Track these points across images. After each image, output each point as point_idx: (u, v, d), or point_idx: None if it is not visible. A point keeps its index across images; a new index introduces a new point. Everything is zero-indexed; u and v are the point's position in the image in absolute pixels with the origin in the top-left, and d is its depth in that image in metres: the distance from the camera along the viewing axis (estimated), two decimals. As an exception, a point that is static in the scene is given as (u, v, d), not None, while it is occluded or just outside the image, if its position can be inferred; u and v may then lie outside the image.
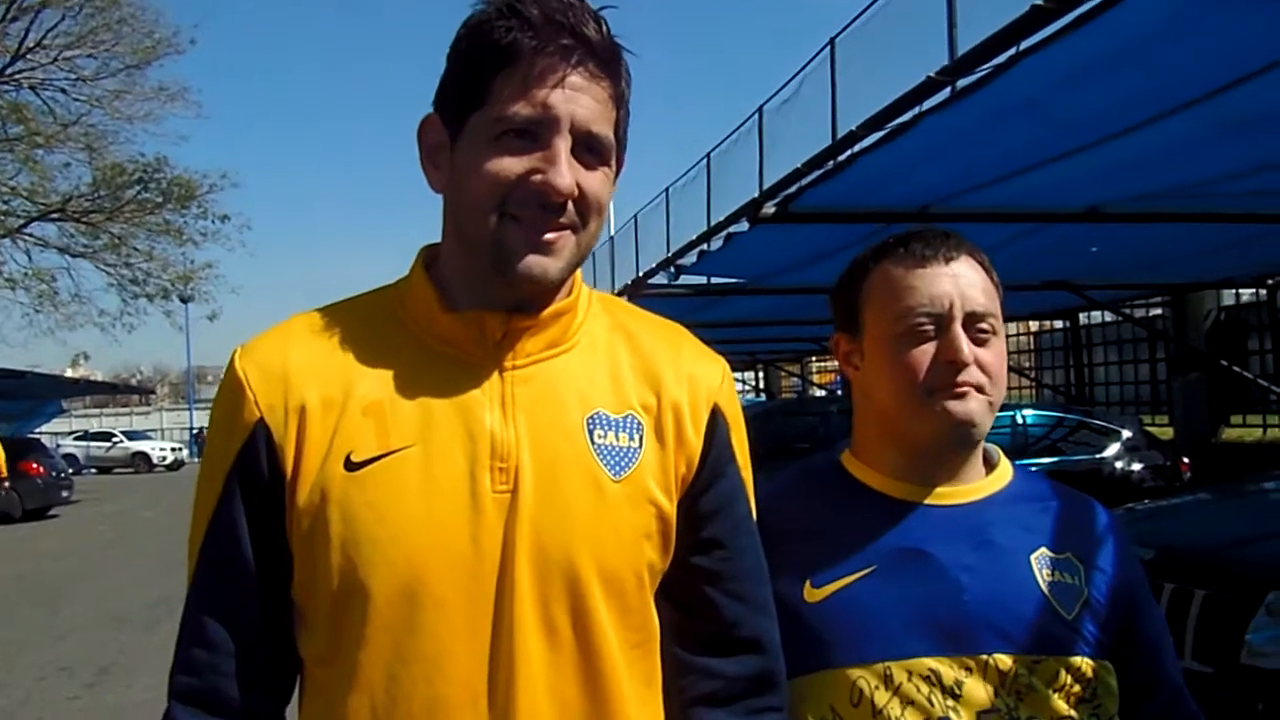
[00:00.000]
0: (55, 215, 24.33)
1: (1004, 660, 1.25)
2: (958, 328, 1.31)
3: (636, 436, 1.20)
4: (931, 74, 5.21)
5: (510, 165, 1.10)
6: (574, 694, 1.14)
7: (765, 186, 8.75)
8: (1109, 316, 18.48)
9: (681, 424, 1.23)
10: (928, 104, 5.81)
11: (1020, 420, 11.18)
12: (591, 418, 1.18)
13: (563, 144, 1.10)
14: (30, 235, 24.61)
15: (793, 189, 7.60)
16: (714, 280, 13.87)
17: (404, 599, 1.10)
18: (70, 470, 24.96)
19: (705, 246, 10.88)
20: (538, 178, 1.10)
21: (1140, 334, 19.20)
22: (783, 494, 1.44)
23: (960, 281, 1.33)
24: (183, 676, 1.15)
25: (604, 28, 1.14)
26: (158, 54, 24.63)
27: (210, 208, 25.41)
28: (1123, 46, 4.72)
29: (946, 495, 1.36)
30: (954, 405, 1.30)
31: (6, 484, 18.02)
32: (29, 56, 23.48)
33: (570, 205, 1.12)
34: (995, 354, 1.33)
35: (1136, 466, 10.72)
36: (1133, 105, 5.45)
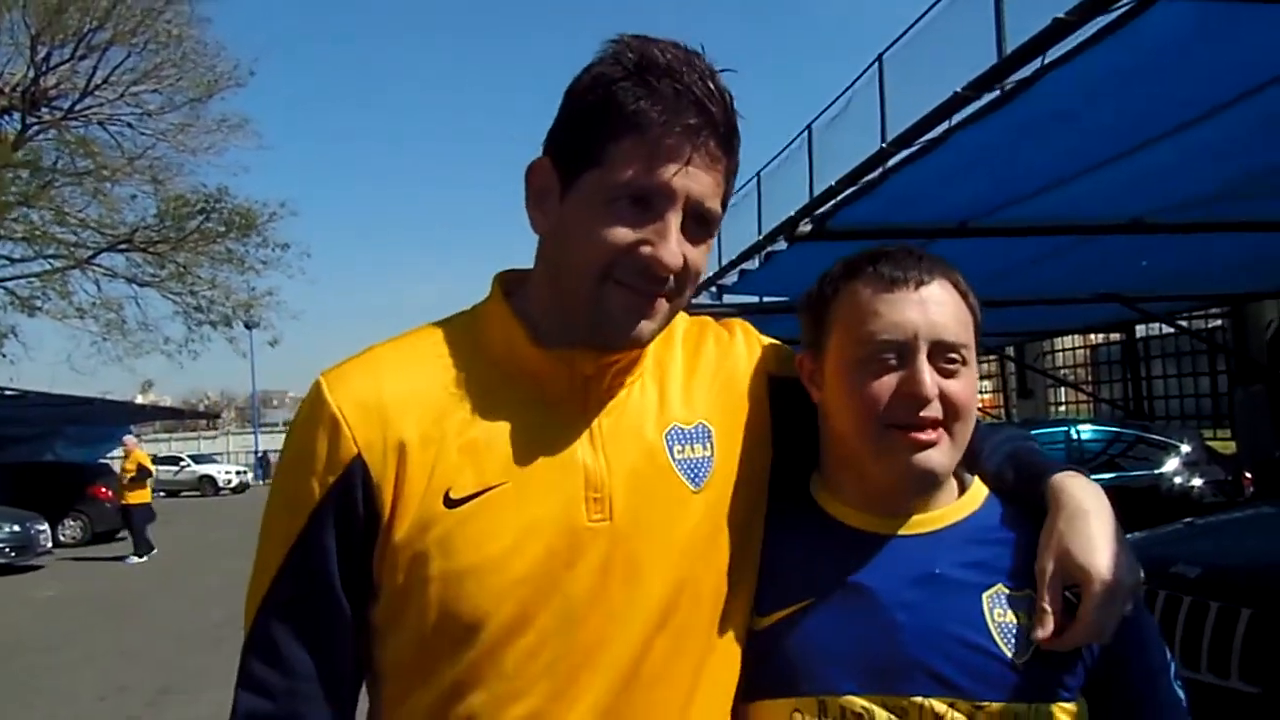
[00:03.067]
0: (123, 246, 25.03)
1: (938, 704, 1.19)
2: (922, 360, 1.22)
3: (709, 445, 1.27)
4: (958, 89, 5.20)
5: (622, 234, 1.11)
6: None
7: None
8: (1166, 329, 18.07)
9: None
10: (960, 118, 5.78)
11: (1076, 436, 11.01)
12: (669, 433, 1.25)
13: (675, 219, 1.12)
14: (99, 266, 25.35)
15: (828, 206, 7.59)
16: (765, 299, 13.87)
17: (506, 630, 1.14)
18: (138, 494, 25.51)
19: (746, 265, 10.91)
20: (647, 250, 1.11)
21: (1199, 346, 18.77)
22: None
23: (929, 309, 1.24)
24: (255, 699, 1.16)
25: (728, 102, 1.14)
26: (220, 87, 25.37)
27: (270, 236, 25.98)
28: (1151, 54, 4.67)
29: (902, 525, 1.29)
30: (915, 458, 1.23)
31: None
32: (97, 93, 24.32)
33: (672, 276, 1.14)
34: (964, 385, 1.25)
35: (1196, 482, 10.51)
36: (1165, 111, 5.38)
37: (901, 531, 1.30)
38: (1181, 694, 1.30)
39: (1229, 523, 6.19)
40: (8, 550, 16.12)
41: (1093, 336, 23.16)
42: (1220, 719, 4.13)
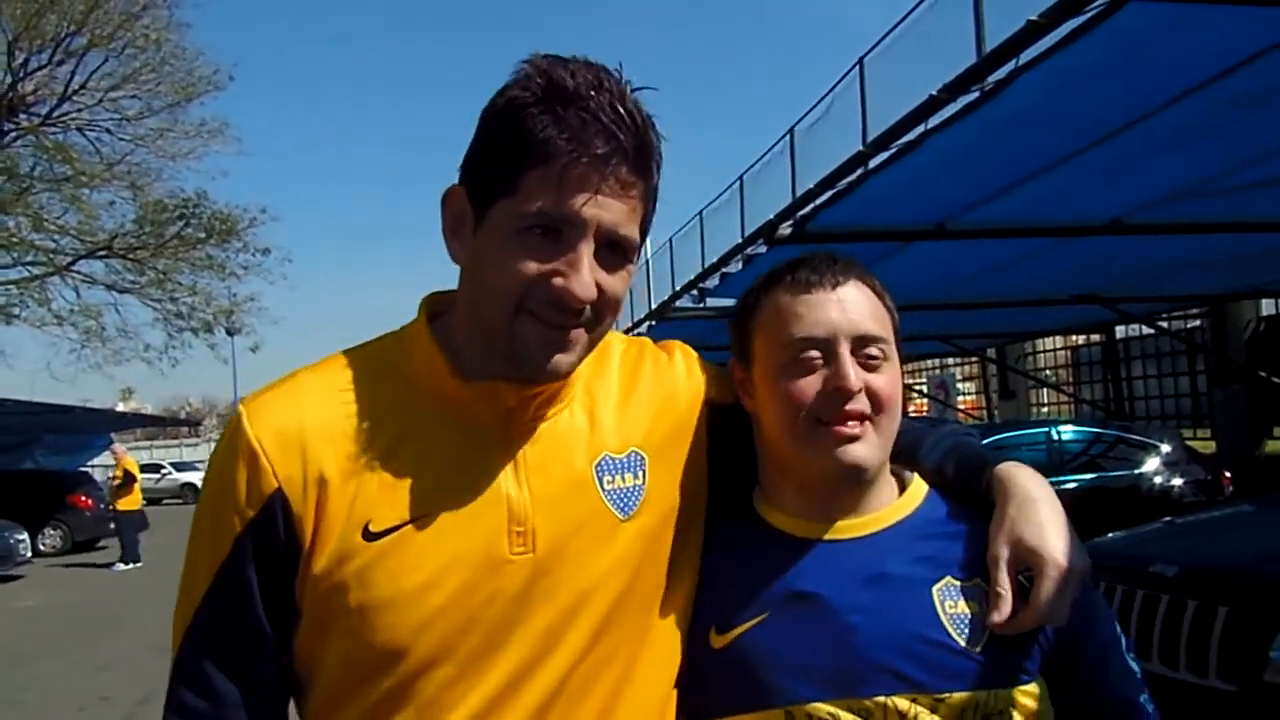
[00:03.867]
0: (102, 253, 24.81)
1: (900, 702, 1.21)
2: (844, 354, 1.27)
3: (640, 474, 1.26)
4: (933, 92, 5.23)
5: (533, 266, 1.10)
6: None
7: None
8: (1146, 330, 18.20)
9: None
10: (937, 120, 5.82)
11: (1057, 437, 11.06)
12: (599, 463, 1.24)
13: (586, 249, 1.10)
14: (78, 273, 25.12)
15: (808, 209, 7.62)
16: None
17: (425, 660, 1.14)
18: (119, 502, 25.37)
19: (727, 269, 10.95)
20: (559, 281, 1.10)
21: (1179, 347, 18.90)
22: None
23: (847, 307, 1.29)
24: None
25: (640, 123, 1.12)
26: (198, 92, 25.10)
27: (251, 242, 25.79)
28: (1125, 51, 4.73)
29: (845, 529, 1.32)
30: (841, 450, 1.26)
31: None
32: (75, 98, 24.11)
33: (588, 306, 1.13)
34: (887, 380, 1.29)
35: (1177, 481, 10.55)
36: (1140, 107, 5.45)
37: (846, 535, 1.32)
38: (1136, 667, 1.33)
39: (1208, 522, 6.23)
40: (-14, 560, 16.01)
41: (1074, 338, 23.27)
42: (1198, 717, 4.17)
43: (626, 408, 1.30)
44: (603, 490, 1.23)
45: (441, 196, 1.20)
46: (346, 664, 1.16)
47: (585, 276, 1.10)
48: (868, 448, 1.27)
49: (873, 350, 1.29)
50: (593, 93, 1.09)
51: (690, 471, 1.33)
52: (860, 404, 1.27)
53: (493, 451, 1.19)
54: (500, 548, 1.16)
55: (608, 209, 1.10)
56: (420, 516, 1.15)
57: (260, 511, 1.13)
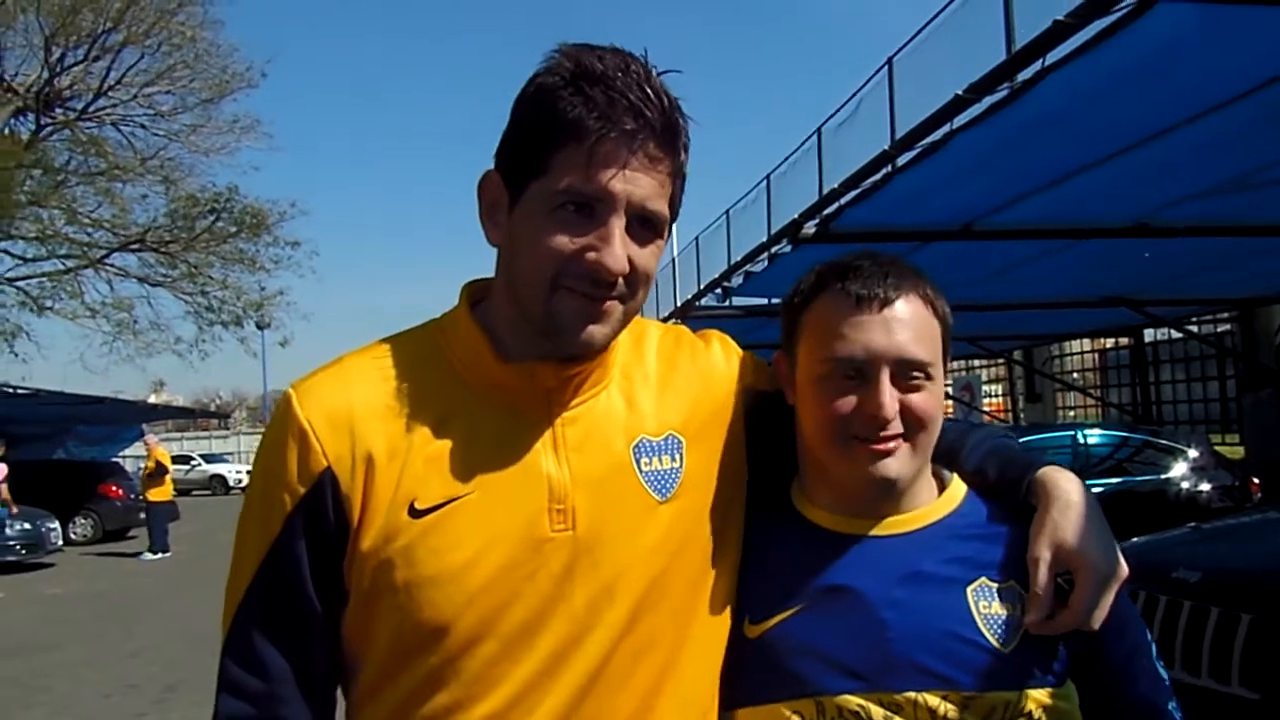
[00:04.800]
0: (135, 246, 25.14)
1: (931, 699, 1.22)
2: (884, 382, 1.26)
3: (678, 457, 1.29)
4: (959, 92, 5.21)
5: (566, 241, 1.13)
6: None
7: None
8: (1175, 334, 17.99)
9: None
10: (963, 120, 5.79)
11: (1083, 440, 10.97)
12: (637, 445, 1.27)
13: (618, 223, 1.14)
14: (111, 266, 25.46)
15: (832, 209, 7.60)
16: (774, 301, 13.86)
17: (468, 637, 1.17)
18: (149, 493, 25.66)
19: (751, 268, 10.94)
20: (591, 255, 1.13)
21: (1208, 351, 18.68)
22: None
23: (893, 329, 1.27)
24: (235, 701, 1.19)
25: (666, 103, 1.15)
26: (232, 88, 25.49)
27: (280, 235, 26.05)
28: (1153, 54, 4.69)
29: (883, 526, 1.33)
30: (874, 466, 1.27)
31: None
32: (110, 94, 24.47)
33: (620, 279, 1.16)
34: (926, 398, 1.28)
35: (1204, 487, 10.45)
36: (1168, 110, 5.40)
37: (884, 532, 1.33)
38: (1165, 674, 1.34)
39: (1233, 528, 6.16)
40: (18, 548, 16.27)
41: (1102, 341, 23.06)
42: (1220, 725, 4.13)
43: (664, 392, 1.33)
44: (640, 472, 1.26)
45: (478, 183, 1.24)
46: (392, 643, 1.19)
47: (617, 250, 1.14)
48: (901, 463, 1.28)
49: (916, 373, 1.28)
50: (619, 74, 1.13)
51: (728, 457, 1.35)
52: (895, 428, 1.27)
53: (533, 431, 1.22)
54: (541, 525, 1.19)
55: (637, 184, 1.13)
56: (464, 494, 1.18)
57: (311, 489, 1.17)
